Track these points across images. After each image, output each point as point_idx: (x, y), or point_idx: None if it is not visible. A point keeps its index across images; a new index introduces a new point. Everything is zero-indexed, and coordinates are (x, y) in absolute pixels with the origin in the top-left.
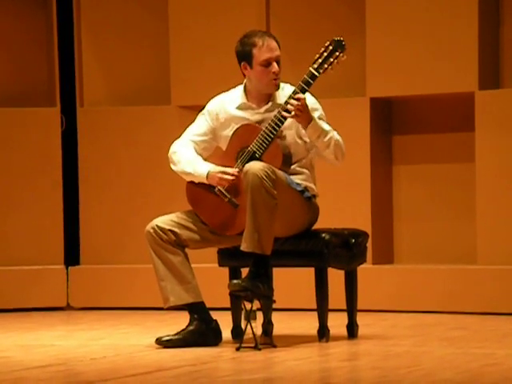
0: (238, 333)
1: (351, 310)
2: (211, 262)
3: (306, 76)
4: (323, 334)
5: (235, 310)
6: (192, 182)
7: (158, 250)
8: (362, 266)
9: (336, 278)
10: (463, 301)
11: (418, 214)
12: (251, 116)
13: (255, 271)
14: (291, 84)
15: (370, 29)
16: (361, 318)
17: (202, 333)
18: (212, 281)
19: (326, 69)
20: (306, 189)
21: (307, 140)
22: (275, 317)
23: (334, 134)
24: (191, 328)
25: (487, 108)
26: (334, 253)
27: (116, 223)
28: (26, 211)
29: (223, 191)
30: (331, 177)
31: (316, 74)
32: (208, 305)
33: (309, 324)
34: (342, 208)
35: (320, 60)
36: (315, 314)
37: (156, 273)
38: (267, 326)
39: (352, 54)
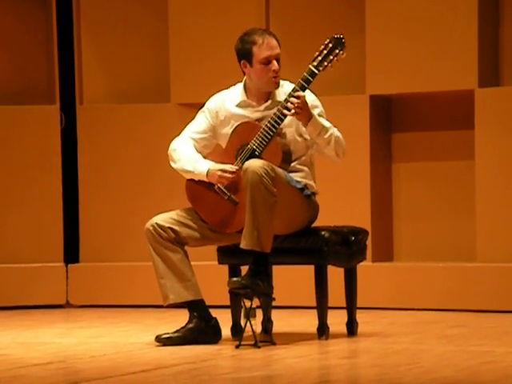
0: (237, 330)
1: (351, 307)
2: (211, 260)
3: (305, 74)
4: (323, 331)
5: (235, 307)
6: (192, 180)
7: (158, 247)
8: (361, 263)
9: (335, 275)
10: (462, 298)
11: (417, 211)
12: (251, 114)
13: (255, 269)
14: (291, 81)
15: (370, 26)
16: (360, 316)
17: (202, 330)
18: (211, 278)
19: (326, 66)
20: (305, 186)
21: (307, 137)
22: (275, 314)
23: (335, 131)
24: (191, 326)
25: (487, 106)
26: (334, 250)
27: (115, 221)
28: (25, 209)
29: (223, 189)
30: (331, 174)
31: (316, 71)
32: (207, 302)
33: (308, 322)
34: (342, 206)
35: (320, 58)
36: (315, 311)
37: (155, 270)
38: (267, 323)
39: (352, 52)
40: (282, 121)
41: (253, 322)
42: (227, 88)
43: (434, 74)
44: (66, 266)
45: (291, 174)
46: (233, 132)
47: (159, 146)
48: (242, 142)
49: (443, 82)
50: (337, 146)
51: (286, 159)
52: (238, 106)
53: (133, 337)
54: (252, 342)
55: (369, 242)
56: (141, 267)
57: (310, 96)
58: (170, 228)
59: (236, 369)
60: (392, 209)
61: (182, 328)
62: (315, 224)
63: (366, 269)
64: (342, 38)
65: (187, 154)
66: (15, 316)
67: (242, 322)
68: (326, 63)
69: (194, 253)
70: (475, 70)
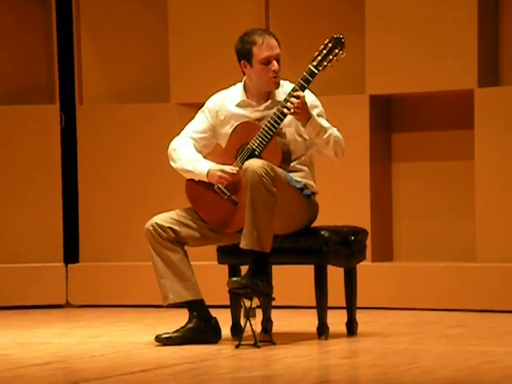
0: (237, 330)
1: (350, 307)
2: (210, 260)
3: (305, 73)
4: (322, 331)
5: (234, 307)
6: (192, 180)
7: (158, 247)
8: (361, 263)
9: (335, 275)
10: (462, 298)
11: (417, 211)
12: (251, 113)
13: (254, 269)
14: (291, 81)
15: (370, 26)
16: (360, 316)
17: (202, 330)
18: (211, 278)
19: (326, 66)
20: (305, 186)
21: (307, 137)
22: (274, 314)
23: (334, 131)
24: (190, 325)
25: (486, 105)
26: (334, 250)
27: (115, 221)
28: (25, 208)
29: (223, 189)
30: (331, 174)
31: (315, 71)
32: (207, 302)
33: (308, 321)
34: (342, 205)
35: (319, 57)
36: (314, 311)
37: (155, 270)
38: (266, 323)
39: (351, 52)
40: (282, 120)
41: (253, 322)
42: (227, 88)
43: (433, 74)
44: (66, 266)
45: (291, 174)
46: (233, 132)
47: (159, 146)
48: (241, 141)
49: (443, 82)
50: (336, 146)
51: (286, 159)
52: (238, 105)
53: (132, 337)
54: (252, 342)
55: (368, 242)
56: (141, 267)
57: (309, 96)
58: (169, 228)
59: (236, 369)
60: (392, 209)
61: (182, 328)
62: (315, 224)
63: (365, 269)
64: (342, 38)
65: (187, 154)
66: (15, 316)
67: (242, 322)
68: (325, 63)
69: (193, 253)
70: (475, 70)
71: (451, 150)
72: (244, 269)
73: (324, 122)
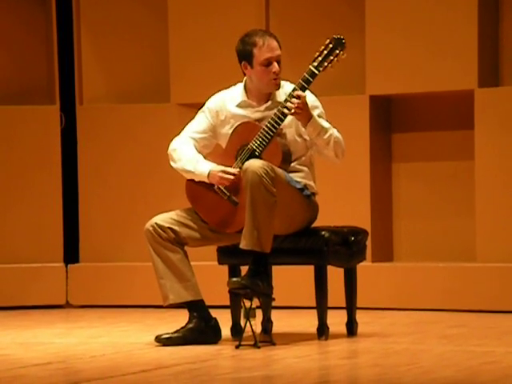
0: (237, 331)
1: (350, 307)
2: (211, 260)
3: (305, 74)
4: (322, 331)
5: (234, 307)
6: (192, 180)
7: (158, 247)
8: (361, 263)
9: (335, 275)
10: (462, 298)
11: (417, 211)
12: (251, 114)
13: (254, 269)
14: (291, 82)
15: (370, 27)
16: (360, 316)
17: (202, 331)
18: (211, 279)
19: (326, 67)
20: (305, 186)
21: (307, 138)
22: (274, 315)
23: (334, 132)
24: (190, 326)
25: (487, 106)
26: (334, 250)
27: (115, 221)
28: (25, 209)
29: (223, 189)
30: (331, 175)
31: (316, 71)
32: (207, 303)
33: (308, 322)
34: (342, 206)
35: (320, 58)
36: (314, 311)
37: (155, 271)
38: (266, 323)
39: (352, 52)
40: (282, 121)
41: (253, 323)
42: (227, 88)
43: (433, 74)
44: (66, 266)
45: (291, 174)
46: (233, 132)
47: (159, 146)
48: (242, 142)
49: (443, 82)
50: (336, 146)
51: (286, 159)
52: (239, 106)
53: (133, 337)
54: (252, 342)
55: (368, 242)
56: (141, 267)
57: (310, 96)
58: (169, 228)
59: (236, 369)
60: (392, 209)
61: (182, 328)
62: (315, 224)
63: (365, 269)
64: (343, 39)
65: (188, 154)
66: (15, 316)
67: (242, 322)
68: (326, 63)
69: (194, 253)
70: (475, 70)
71: (451, 150)
72: (244, 269)
73: (324, 123)
